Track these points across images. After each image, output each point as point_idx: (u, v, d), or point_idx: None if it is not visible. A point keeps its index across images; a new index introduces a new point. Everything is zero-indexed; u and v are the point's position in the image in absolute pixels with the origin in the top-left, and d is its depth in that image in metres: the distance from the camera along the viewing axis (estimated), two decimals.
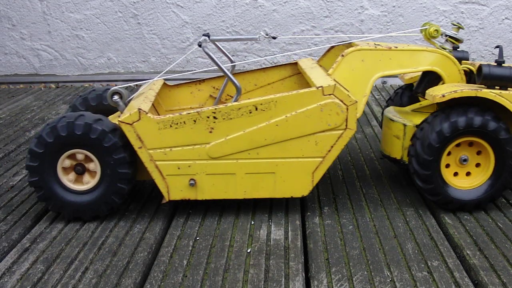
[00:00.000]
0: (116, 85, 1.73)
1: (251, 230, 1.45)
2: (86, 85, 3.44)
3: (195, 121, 1.42)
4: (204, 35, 1.62)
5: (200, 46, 1.57)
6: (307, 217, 1.52)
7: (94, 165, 1.46)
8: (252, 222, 1.49)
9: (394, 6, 3.31)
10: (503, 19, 3.30)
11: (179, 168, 1.46)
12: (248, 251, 1.34)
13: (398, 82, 3.26)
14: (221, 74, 1.81)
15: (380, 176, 1.81)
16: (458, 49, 1.66)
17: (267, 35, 1.68)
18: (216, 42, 1.74)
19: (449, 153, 1.49)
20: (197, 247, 1.37)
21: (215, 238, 1.41)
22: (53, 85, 3.44)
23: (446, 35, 1.63)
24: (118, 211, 1.56)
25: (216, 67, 1.56)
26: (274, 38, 1.69)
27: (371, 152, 2.04)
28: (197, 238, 1.41)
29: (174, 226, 1.48)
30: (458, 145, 1.50)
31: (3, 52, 3.50)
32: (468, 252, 1.32)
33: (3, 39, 3.47)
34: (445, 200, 1.50)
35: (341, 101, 1.42)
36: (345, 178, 1.79)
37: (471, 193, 1.51)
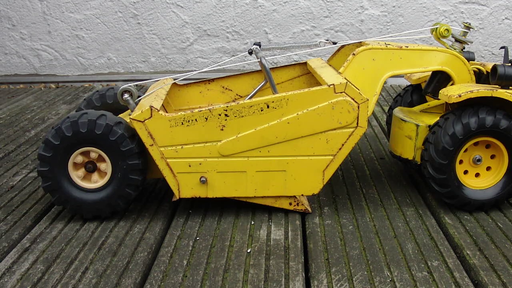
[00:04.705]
0: (116, 85, 1.73)
1: (251, 230, 1.45)
2: (86, 85, 3.44)
3: (206, 118, 1.42)
4: (255, 44, 1.63)
5: (250, 54, 1.60)
6: (307, 217, 1.52)
7: (106, 166, 1.46)
8: (252, 222, 1.49)
9: (394, 6, 3.31)
10: (503, 19, 3.30)
11: (190, 166, 1.46)
12: (248, 251, 1.34)
13: (399, 82, 3.26)
14: (230, 74, 1.83)
15: (380, 176, 1.81)
16: (464, 50, 1.67)
17: (327, 40, 1.68)
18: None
19: (466, 150, 1.50)
20: (197, 247, 1.37)
21: (215, 238, 1.41)
22: (53, 85, 3.44)
23: (453, 37, 1.63)
24: (118, 211, 1.56)
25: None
26: (334, 43, 1.68)
27: (371, 152, 2.04)
28: (197, 238, 1.41)
29: (174, 226, 1.48)
30: (476, 143, 1.50)
31: (3, 52, 3.50)
32: (468, 252, 1.32)
33: (3, 39, 3.47)
34: (462, 202, 1.50)
35: (353, 99, 1.42)
36: (345, 178, 1.79)
37: (487, 192, 1.51)
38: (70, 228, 1.47)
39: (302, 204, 1.53)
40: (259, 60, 1.61)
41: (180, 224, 1.49)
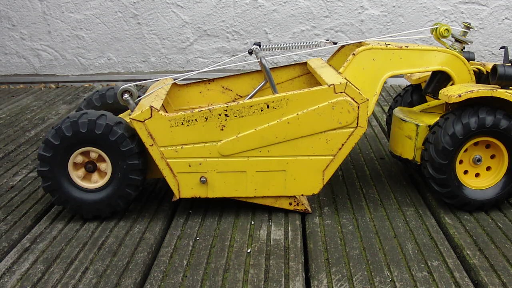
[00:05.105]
0: (116, 85, 1.73)
1: (251, 230, 1.45)
2: (86, 85, 3.44)
3: (206, 118, 1.43)
4: (255, 44, 1.64)
5: (250, 54, 1.61)
6: (307, 217, 1.52)
7: (106, 166, 1.46)
8: (252, 222, 1.49)
9: (394, 6, 3.31)
10: (503, 19, 3.30)
11: (190, 166, 1.46)
12: (248, 251, 1.34)
13: (399, 82, 3.26)
14: (230, 74, 1.83)
15: (380, 176, 1.81)
16: (464, 50, 1.67)
17: (327, 40, 1.68)
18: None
19: (466, 150, 1.50)
20: (197, 247, 1.37)
21: (215, 238, 1.41)
22: (53, 85, 3.44)
23: (453, 37, 1.63)
24: (118, 211, 1.56)
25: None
26: (335, 43, 1.68)
27: (371, 152, 2.04)
28: (197, 238, 1.41)
29: (174, 226, 1.48)
30: (476, 143, 1.50)
31: (3, 52, 3.50)
32: (468, 252, 1.32)
33: (3, 39, 3.47)
34: (462, 202, 1.50)
35: (353, 99, 1.42)
36: (345, 178, 1.79)
37: (487, 192, 1.51)
38: (70, 228, 1.47)
39: (302, 204, 1.53)
40: (259, 60, 1.61)
41: (180, 224, 1.49)
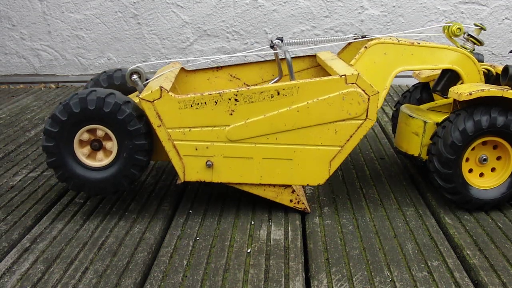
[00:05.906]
0: (123, 67, 1.72)
1: (251, 230, 1.45)
2: None
3: (216, 102, 1.42)
4: (278, 38, 1.64)
5: (272, 47, 1.63)
6: (307, 217, 1.52)
7: (112, 145, 1.45)
8: (252, 222, 1.49)
9: (394, 6, 3.31)
10: (503, 19, 3.30)
11: (196, 149, 1.45)
12: (248, 251, 1.34)
13: (399, 82, 3.26)
14: (239, 62, 1.82)
15: (380, 176, 1.81)
16: (473, 51, 1.67)
17: (355, 34, 1.68)
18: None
19: (473, 149, 1.50)
20: (197, 247, 1.37)
21: (215, 238, 1.41)
22: (53, 85, 3.44)
23: (468, 35, 1.63)
24: (118, 211, 1.56)
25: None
26: (363, 37, 1.68)
27: (371, 152, 2.04)
28: (197, 238, 1.41)
29: (174, 226, 1.48)
30: (484, 143, 1.50)
31: (3, 52, 3.50)
32: (468, 252, 1.32)
33: (3, 39, 3.47)
34: (464, 200, 1.50)
35: (363, 90, 1.42)
36: (345, 178, 1.79)
37: (490, 192, 1.51)
38: (70, 228, 1.47)
39: (303, 203, 1.53)
40: (282, 53, 1.60)
41: (180, 224, 1.49)
